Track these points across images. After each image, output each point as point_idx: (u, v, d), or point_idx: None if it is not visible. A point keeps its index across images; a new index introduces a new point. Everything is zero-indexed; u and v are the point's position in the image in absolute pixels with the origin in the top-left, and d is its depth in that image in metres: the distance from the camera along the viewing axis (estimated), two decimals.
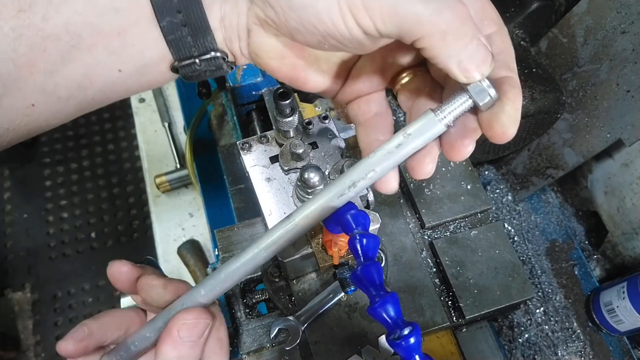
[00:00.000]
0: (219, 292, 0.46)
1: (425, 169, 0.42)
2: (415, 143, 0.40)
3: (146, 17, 0.38)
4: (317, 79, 0.45)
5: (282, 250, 0.56)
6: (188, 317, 0.44)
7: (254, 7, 0.39)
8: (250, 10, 0.39)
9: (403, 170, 0.78)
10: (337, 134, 0.66)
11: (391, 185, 0.44)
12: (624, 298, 0.76)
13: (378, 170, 0.42)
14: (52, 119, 0.41)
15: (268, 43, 0.41)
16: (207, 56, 0.41)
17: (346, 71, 0.47)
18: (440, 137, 0.42)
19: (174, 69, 0.41)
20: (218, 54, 0.41)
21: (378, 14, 0.35)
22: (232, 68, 0.44)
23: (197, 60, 0.40)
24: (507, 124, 0.37)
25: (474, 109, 0.39)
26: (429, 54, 0.36)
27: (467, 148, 0.40)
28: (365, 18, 0.35)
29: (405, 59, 0.45)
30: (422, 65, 0.46)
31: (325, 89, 0.46)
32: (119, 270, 0.49)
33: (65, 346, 0.46)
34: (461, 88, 0.38)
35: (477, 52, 0.35)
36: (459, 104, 0.39)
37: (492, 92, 0.37)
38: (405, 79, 0.46)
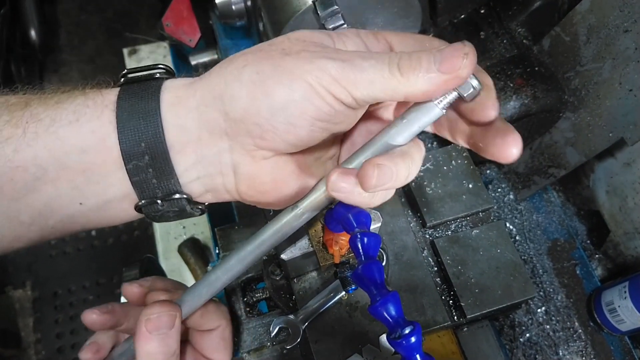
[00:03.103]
0: (220, 287, 0.48)
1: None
2: (414, 127, 0.40)
3: (113, 159, 0.39)
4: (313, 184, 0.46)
5: (282, 248, 0.56)
6: (151, 311, 0.46)
7: (237, 140, 0.40)
8: (233, 146, 0.40)
9: None
10: None
11: None
12: (625, 298, 0.76)
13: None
14: (15, 242, 0.43)
15: (259, 169, 0.42)
16: (170, 198, 0.41)
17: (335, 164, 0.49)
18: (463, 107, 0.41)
19: (138, 208, 0.42)
20: (184, 196, 0.42)
21: (351, 84, 0.37)
22: (201, 210, 0.46)
23: (159, 201, 0.41)
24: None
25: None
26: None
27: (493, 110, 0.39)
28: (340, 91, 0.37)
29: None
30: None
31: None
32: (132, 291, 0.55)
33: (89, 314, 0.52)
34: None
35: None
36: (448, 93, 0.38)
37: (475, 83, 0.37)
38: None
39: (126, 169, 0.39)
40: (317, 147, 0.44)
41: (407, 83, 0.36)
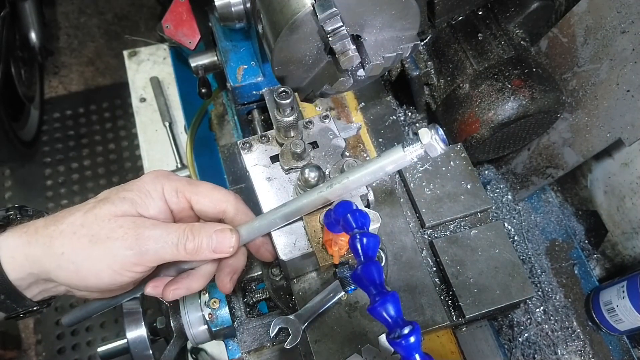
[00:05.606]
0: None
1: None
2: (386, 169, 0.52)
3: None
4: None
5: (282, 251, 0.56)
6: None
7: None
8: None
9: (404, 170, 0.78)
10: (337, 133, 0.66)
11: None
12: (623, 297, 0.76)
13: (351, 183, 0.54)
14: None
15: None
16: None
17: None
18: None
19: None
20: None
21: (146, 262, 0.53)
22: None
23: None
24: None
25: None
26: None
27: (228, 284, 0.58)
28: (139, 268, 0.53)
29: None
30: None
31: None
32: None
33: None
34: (417, 137, 0.49)
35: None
36: (417, 149, 0.49)
37: (442, 145, 0.48)
38: None
39: None
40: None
41: (190, 257, 0.54)
